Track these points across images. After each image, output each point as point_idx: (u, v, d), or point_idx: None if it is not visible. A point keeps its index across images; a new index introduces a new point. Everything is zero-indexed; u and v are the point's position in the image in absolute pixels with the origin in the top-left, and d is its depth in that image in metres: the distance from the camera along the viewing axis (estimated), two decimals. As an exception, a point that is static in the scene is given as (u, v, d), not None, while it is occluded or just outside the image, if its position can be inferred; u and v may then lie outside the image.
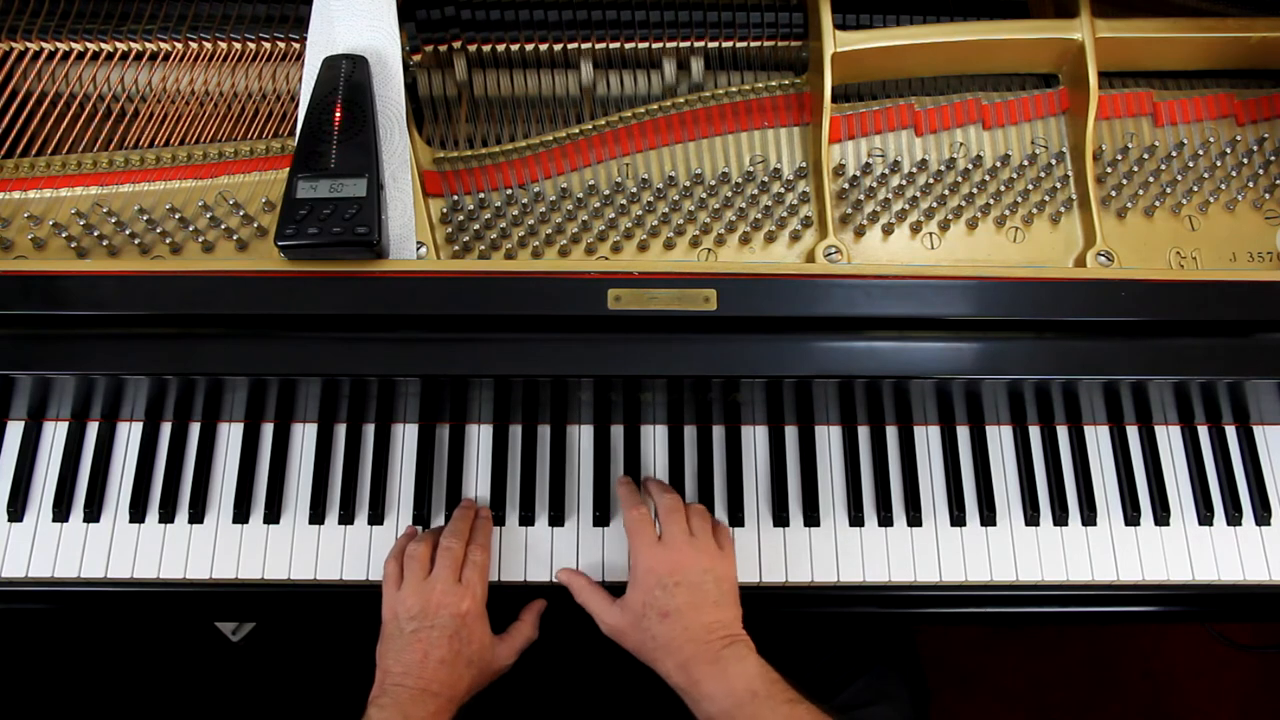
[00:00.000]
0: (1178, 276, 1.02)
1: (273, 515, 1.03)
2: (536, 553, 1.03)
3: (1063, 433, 1.09)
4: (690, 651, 0.88)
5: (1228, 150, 1.11)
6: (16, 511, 1.03)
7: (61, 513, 1.03)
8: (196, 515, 1.03)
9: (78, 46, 1.10)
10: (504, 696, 1.01)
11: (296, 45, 1.10)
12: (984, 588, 1.04)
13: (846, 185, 1.09)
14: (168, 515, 1.03)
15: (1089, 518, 1.05)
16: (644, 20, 1.11)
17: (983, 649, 1.85)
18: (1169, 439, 1.09)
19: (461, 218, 1.06)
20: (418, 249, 1.01)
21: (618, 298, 0.94)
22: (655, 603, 0.91)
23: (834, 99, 1.07)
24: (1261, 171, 1.10)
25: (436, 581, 0.93)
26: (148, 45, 1.10)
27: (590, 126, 1.09)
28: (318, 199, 0.94)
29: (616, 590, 0.98)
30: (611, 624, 0.94)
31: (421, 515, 1.03)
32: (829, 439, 1.08)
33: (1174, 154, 1.10)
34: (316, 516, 1.03)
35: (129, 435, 1.06)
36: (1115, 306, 0.97)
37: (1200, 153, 1.11)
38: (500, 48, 1.11)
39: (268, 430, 1.07)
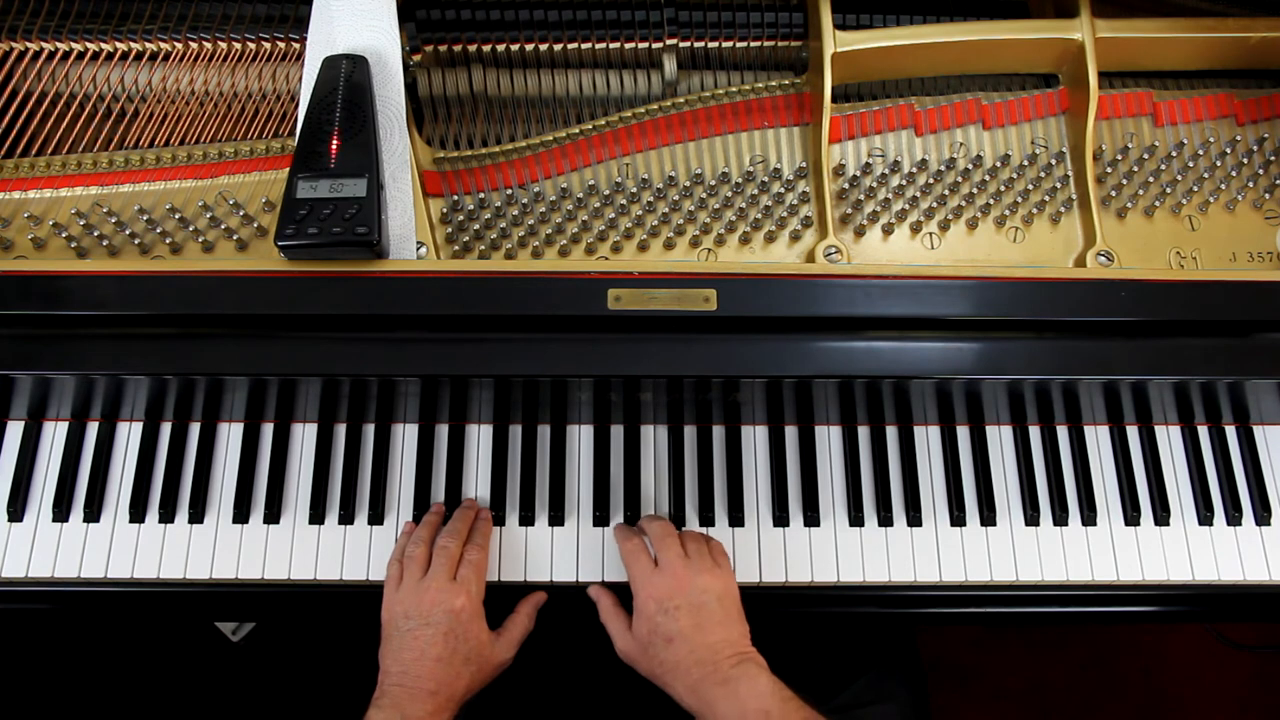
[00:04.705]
0: (1178, 276, 1.02)
1: (273, 515, 1.03)
2: (536, 553, 1.03)
3: (1063, 433, 1.09)
4: (699, 674, 0.88)
5: (1228, 150, 1.11)
6: (16, 511, 1.03)
7: (61, 513, 1.03)
8: (196, 515, 1.03)
9: (78, 46, 1.10)
10: (510, 697, 1.01)
11: (296, 45, 1.10)
12: (984, 588, 1.04)
13: (846, 185, 1.09)
14: (168, 515, 1.03)
15: (1089, 518, 1.05)
16: (644, 20, 1.11)
17: (983, 649, 1.85)
18: (1169, 439, 1.09)
19: (461, 218, 1.06)
20: (418, 249, 1.01)
21: (618, 298, 0.94)
22: (659, 629, 0.90)
23: (834, 99, 1.07)
24: (1261, 171, 1.10)
25: (431, 580, 0.93)
26: (148, 45, 1.10)
27: (590, 126, 1.09)
28: (318, 199, 0.94)
29: (619, 590, 0.98)
30: (624, 649, 0.95)
31: (422, 516, 1.03)
32: (829, 439, 1.08)
33: (1174, 154, 1.10)
34: (316, 516, 1.03)
35: (129, 435, 1.06)
36: (1115, 306, 0.97)
37: (1200, 153, 1.11)
38: (500, 48, 1.11)
39: (268, 430, 1.07)
